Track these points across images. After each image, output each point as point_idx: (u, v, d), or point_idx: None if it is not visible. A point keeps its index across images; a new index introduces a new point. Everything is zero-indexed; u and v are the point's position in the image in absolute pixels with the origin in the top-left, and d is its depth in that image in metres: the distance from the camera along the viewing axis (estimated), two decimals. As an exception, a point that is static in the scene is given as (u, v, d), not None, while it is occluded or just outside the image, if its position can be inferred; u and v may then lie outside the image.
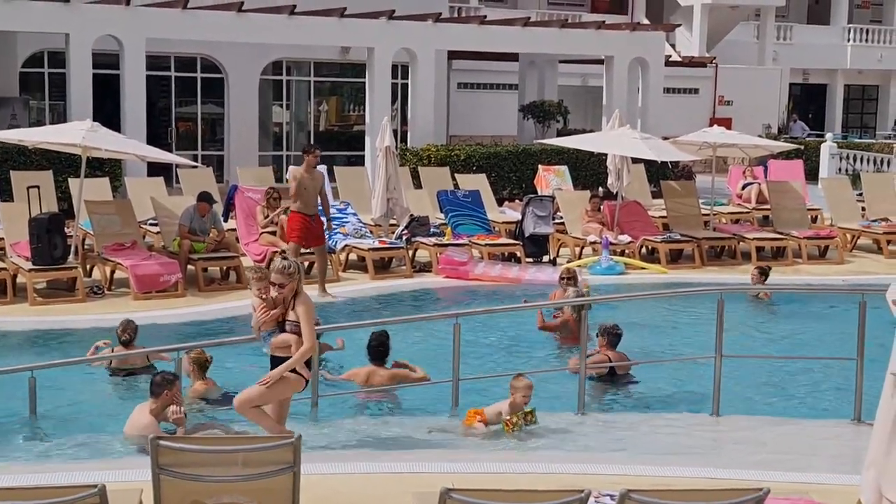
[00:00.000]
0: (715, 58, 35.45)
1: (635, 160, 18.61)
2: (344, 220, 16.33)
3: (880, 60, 40.66)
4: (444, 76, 27.79)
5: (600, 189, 19.72)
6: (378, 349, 9.57)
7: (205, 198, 14.74)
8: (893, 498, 5.20)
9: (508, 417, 8.43)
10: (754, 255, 16.75)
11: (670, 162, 21.95)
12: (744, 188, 21.19)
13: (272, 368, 7.71)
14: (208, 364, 9.29)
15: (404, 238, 16.03)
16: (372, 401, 9.35)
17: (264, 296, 7.76)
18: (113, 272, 13.88)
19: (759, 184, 20.88)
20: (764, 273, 13.99)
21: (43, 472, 7.30)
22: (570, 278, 12.66)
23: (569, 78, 31.59)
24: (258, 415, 7.69)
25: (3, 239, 14.64)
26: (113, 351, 9.96)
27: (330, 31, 22.45)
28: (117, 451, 8.02)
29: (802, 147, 27.17)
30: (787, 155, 22.91)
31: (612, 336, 10.11)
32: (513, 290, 14.34)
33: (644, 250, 16.81)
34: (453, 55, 28.44)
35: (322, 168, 18.92)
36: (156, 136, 22.83)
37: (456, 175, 20.11)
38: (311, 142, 27.34)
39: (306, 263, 14.74)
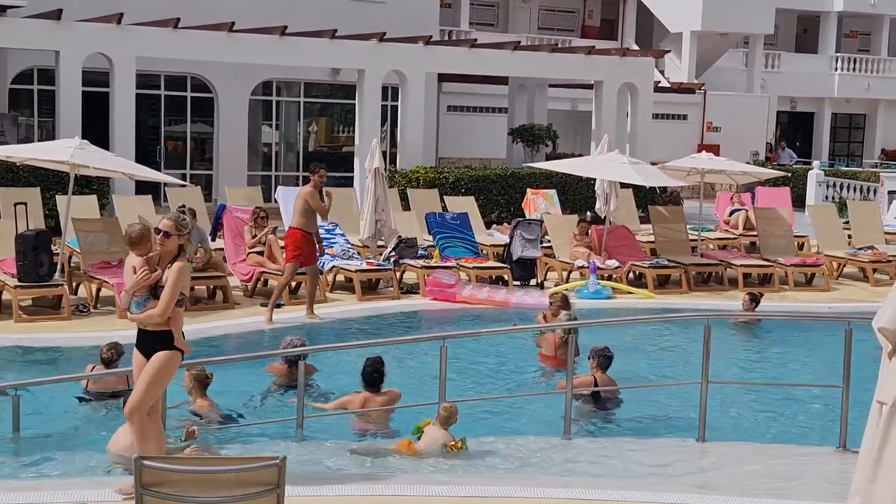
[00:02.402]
0: (703, 84, 35.66)
1: (623, 185, 18.67)
2: (332, 241, 16.32)
3: (867, 89, 40.92)
4: (433, 99, 27.87)
5: (588, 213, 19.75)
6: (373, 376, 9.47)
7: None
8: (878, 526, 5.20)
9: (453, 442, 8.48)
10: (741, 282, 16.79)
11: (658, 187, 22.03)
12: (731, 214, 21.26)
13: (139, 342, 7.14)
14: (209, 381, 9.22)
15: (392, 260, 16.03)
16: (368, 431, 9.26)
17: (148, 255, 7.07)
18: (99, 290, 13.83)
19: (747, 210, 20.95)
20: (755, 300, 14.02)
21: (26, 491, 7.25)
22: (557, 301, 12.65)
23: (558, 102, 31.72)
24: (153, 429, 7.01)
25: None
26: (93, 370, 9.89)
27: (320, 52, 22.50)
28: (101, 470, 7.97)
29: (789, 174, 27.29)
30: (774, 182, 23.01)
31: (603, 358, 10.13)
32: (500, 313, 14.34)
33: (631, 275, 16.83)
34: (443, 78, 28.54)
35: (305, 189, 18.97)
36: (145, 155, 22.82)
37: (444, 197, 20.14)
38: (300, 162, 27.42)
39: (294, 283, 14.73)
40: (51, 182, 18.28)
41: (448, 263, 16.12)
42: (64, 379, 9.85)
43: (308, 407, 9.05)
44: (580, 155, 27.24)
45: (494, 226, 20.56)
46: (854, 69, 40.81)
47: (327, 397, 10.02)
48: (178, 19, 20.94)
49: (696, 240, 18.25)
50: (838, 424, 8.82)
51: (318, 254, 13.91)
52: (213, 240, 16.30)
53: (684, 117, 36.21)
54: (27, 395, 8.82)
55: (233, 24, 21.47)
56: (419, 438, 8.62)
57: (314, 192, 13.62)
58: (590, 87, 26.21)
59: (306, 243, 13.52)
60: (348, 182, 23.34)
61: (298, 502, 6.69)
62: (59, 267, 13.84)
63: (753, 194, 22.60)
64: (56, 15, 20.07)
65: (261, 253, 15.25)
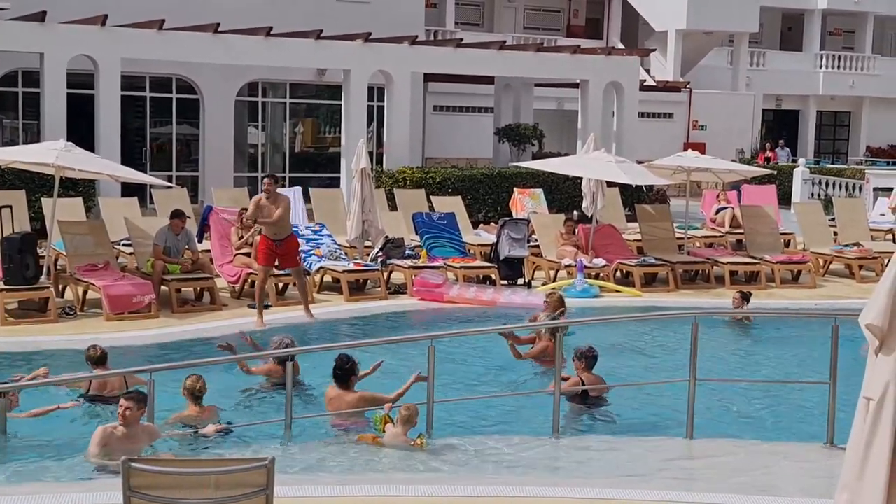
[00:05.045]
0: (689, 83, 35.73)
1: (610, 184, 18.69)
2: (319, 241, 16.31)
3: (852, 87, 41.07)
4: (419, 99, 27.87)
5: (575, 212, 19.78)
6: (336, 372, 9.48)
7: (177, 214, 14.70)
8: (866, 522, 5.22)
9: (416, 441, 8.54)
10: (728, 279, 16.82)
11: (644, 186, 22.07)
12: (717, 212, 21.31)
13: None
14: (198, 393, 9.13)
15: (379, 260, 16.02)
16: (343, 427, 9.26)
17: None
18: (85, 293, 13.79)
19: (733, 208, 21.01)
20: (745, 297, 14.06)
21: (12, 494, 7.21)
22: (552, 301, 12.65)
23: (544, 101, 31.74)
24: None
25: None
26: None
27: (306, 52, 22.47)
28: (89, 472, 7.94)
29: (775, 172, 27.38)
30: (760, 180, 23.08)
31: (589, 358, 10.13)
32: (487, 312, 14.34)
33: (618, 274, 16.85)
34: (429, 78, 28.54)
35: (291, 190, 18.97)
36: (130, 157, 22.75)
37: (431, 197, 20.13)
38: (287, 163, 27.41)
39: (281, 285, 14.72)
40: (36, 184, 18.19)
41: (435, 263, 16.11)
42: (51, 382, 9.80)
43: (296, 408, 9.03)
44: (566, 154, 27.25)
45: (481, 225, 20.56)
46: (838, 67, 40.96)
47: (314, 396, 10.01)
48: (163, 20, 20.88)
49: (682, 238, 18.29)
50: (826, 420, 8.85)
51: (297, 255, 13.92)
52: (200, 241, 16.26)
53: (670, 116, 36.29)
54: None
55: (218, 25, 21.42)
56: (378, 430, 8.69)
57: (254, 200, 13.66)
58: (575, 86, 26.23)
59: (269, 249, 13.50)
60: (335, 183, 23.31)
61: (287, 503, 6.68)
62: (45, 269, 13.79)
63: (739, 192, 22.67)
64: (40, 17, 19.99)
65: (248, 254, 15.21)
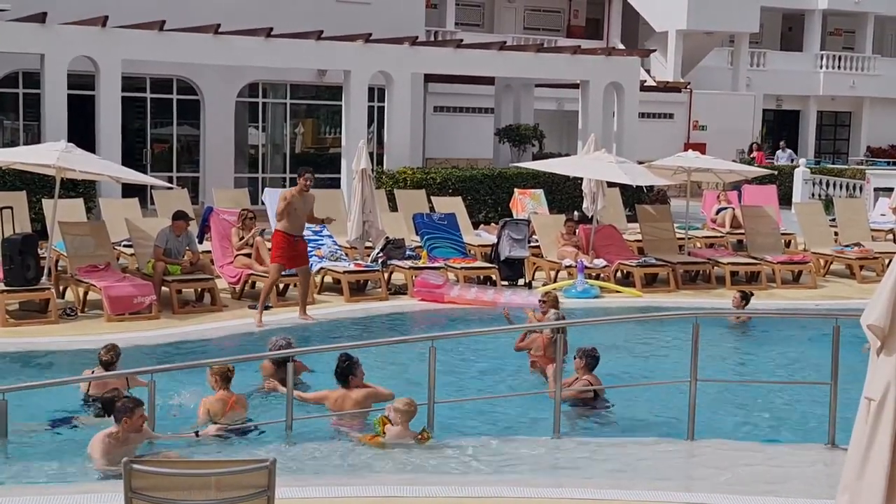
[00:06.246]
0: (689, 83, 35.72)
1: (610, 184, 18.69)
2: (319, 242, 16.30)
3: (853, 87, 41.06)
4: (420, 99, 27.87)
5: (575, 213, 19.78)
6: (335, 372, 9.52)
7: (180, 216, 14.70)
8: (867, 522, 5.22)
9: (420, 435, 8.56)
10: (728, 280, 16.82)
11: (645, 186, 22.06)
12: (718, 213, 21.31)
13: None
14: (229, 374, 9.15)
15: (380, 261, 16.01)
16: (344, 427, 9.27)
17: None
18: (86, 294, 13.79)
19: (733, 208, 21.01)
20: (745, 297, 14.05)
21: (13, 496, 7.21)
22: (549, 301, 12.66)
23: (544, 102, 31.74)
24: None
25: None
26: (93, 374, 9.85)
27: (306, 53, 22.47)
28: (89, 474, 7.94)
29: (776, 172, 27.37)
30: (760, 180, 23.08)
31: (590, 359, 10.13)
32: (488, 313, 14.34)
33: (619, 274, 16.85)
34: (429, 78, 28.54)
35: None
36: (131, 158, 22.74)
37: (432, 198, 20.13)
38: (287, 164, 27.37)
39: (282, 285, 14.71)
40: (37, 186, 18.21)
41: (436, 264, 16.11)
42: (52, 383, 9.80)
43: (297, 408, 9.03)
44: (567, 154, 27.25)
45: (482, 226, 20.56)
46: (839, 67, 40.96)
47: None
48: (164, 21, 20.88)
49: (683, 238, 18.29)
50: (827, 421, 8.84)
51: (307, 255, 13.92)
52: (201, 242, 16.26)
53: (670, 116, 36.27)
54: (14, 399, 8.76)
55: (218, 26, 21.42)
56: (378, 431, 8.68)
57: (289, 194, 13.49)
58: (576, 86, 26.23)
59: (289, 245, 13.48)
60: (335, 183, 23.31)
61: (288, 504, 6.68)
62: (46, 271, 13.80)
63: (740, 192, 22.67)
64: (41, 18, 19.99)
65: (248, 255, 15.22)
